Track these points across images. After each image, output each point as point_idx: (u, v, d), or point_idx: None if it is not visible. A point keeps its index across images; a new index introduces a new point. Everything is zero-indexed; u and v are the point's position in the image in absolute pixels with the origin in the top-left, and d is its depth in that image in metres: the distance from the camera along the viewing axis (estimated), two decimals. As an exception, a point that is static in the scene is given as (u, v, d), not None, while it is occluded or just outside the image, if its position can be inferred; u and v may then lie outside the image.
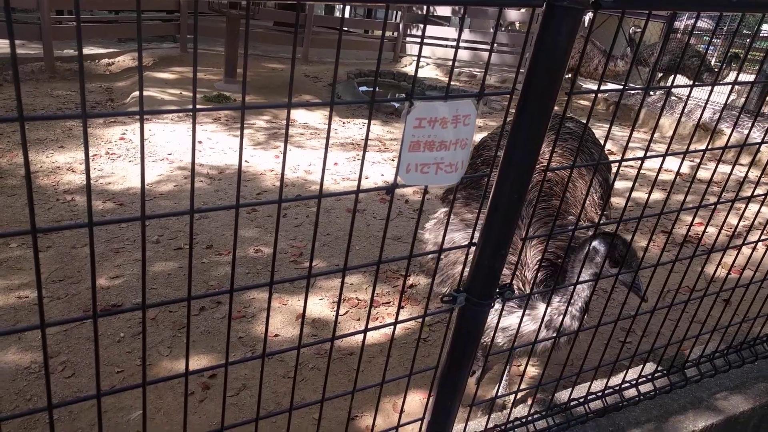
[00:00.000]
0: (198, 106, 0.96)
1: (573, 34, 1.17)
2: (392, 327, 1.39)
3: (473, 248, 1.40)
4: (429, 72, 11.98)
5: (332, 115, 1.09)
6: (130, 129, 6.29)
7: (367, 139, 1.12)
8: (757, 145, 1.93)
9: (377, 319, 3.51)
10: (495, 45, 12.88)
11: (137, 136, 6.10)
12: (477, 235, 1.40)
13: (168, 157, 5.70)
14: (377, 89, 10.81)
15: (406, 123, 1.12)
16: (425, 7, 1.19)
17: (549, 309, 1.96)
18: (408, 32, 12.55)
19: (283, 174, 1.10)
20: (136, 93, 7.49)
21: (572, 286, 1.87)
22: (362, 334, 1.35)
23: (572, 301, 1.95)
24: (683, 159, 1.74)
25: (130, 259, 3.85)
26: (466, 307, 1.45)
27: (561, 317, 1.93)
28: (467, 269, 1.44)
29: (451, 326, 1.49)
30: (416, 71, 1.11)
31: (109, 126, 6.36)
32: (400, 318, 1.61)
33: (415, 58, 12.48)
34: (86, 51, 9.46)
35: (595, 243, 1.95)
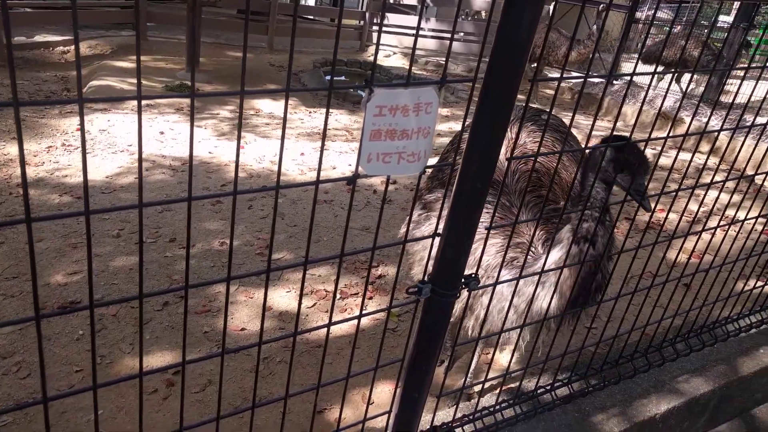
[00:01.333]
0: (144, 95, 0.91)
1: (534, 22, 1.16)
2: (357, 320, 1.37)
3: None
4: (396, 61, 11.93)
5: (295, 104, 1.05)
6: (88, 120, 6.07)
7: (325, 128, 1.08)
8: (716, 133, 1.97)
9: (345, 310, 3.48)
10: (462, 34, 12.90)
11: (95, 127, 5.90)
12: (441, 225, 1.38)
13: (128, 148, 5.52)
14: (344, 78, 10.68)
15: (366, 111, 1.09)
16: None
17: (571, 233, 1.80)
18: (374, 21, 12.45)
19: (237, 165, 1.05)
20: (94, 82, 7.24)
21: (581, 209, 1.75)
22: (326, 328, 1.31)
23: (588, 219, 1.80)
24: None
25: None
26: (431, 298, 1.43)
27: (589, 224, 1.77)
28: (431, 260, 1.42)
29: (417, 318, 1.47)
30: (375, 55, 1.08)
31: (65, 116, 6.12)
32: (368, 310, 1.57)
33: (383, 47, 12.37)
34: (40, 39, 9.09)
35: (602, 149, 1.77)
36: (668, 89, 1.67)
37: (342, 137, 6.80)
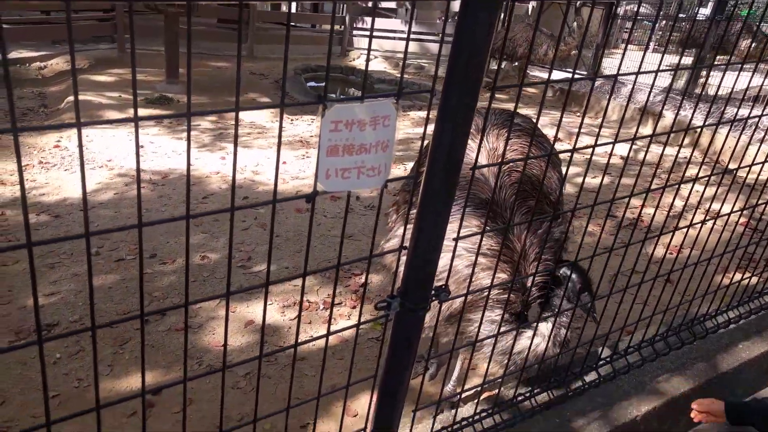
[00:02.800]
0: (140, 113, 0.89)
1: (491, 27, 1.14)
2: (325, 338, 1.34)
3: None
4: (378, 65, 11.92)
5: (276, 112, 1.04)
6: (66, 136, 6.00)
7: (278, 126, 1.05)
8: (699, 129, 1.97)
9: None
10: (440, 36, 12.91)
11: (73, 144, 5.82)
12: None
13: (107, 163, 5.46)
14: (324, 84, 10.69)
15: (321, 127, 1.07)
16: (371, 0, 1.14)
17: (552, 328, 2.06)
18: (355, 25, 12.45)
19: (234, 180, 1.02)
20: (72, 98, 7.14)
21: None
22: (290, 348, 1.29)
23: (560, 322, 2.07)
24: (631, 146, 1.75)
25: (66, 275, 3.66)
26: (401, 312, 1.41)
27: (564, 330, 2.05)
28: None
29: (388, 333, 1.45)
30: (328, 62, 1.05)
31: (42, 134, 6.04)
32: (353, 318, 1.55)
33: (364, 52, 12.35)
34: (16, 54, 8.98)
35: (564, 269, 2.10)
36: (652, 86, 1.68)
37: (324, 144, 6.77)
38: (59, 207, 4.51)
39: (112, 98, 7.40)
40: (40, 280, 3.54)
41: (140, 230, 1.01)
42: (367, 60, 1.11)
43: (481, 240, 1.49)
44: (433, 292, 1.42)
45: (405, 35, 12.86)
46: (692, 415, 2.00)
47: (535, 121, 1.66)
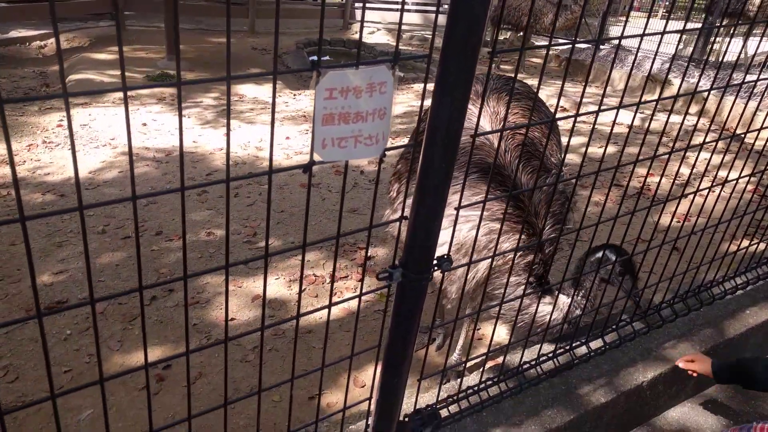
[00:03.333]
0: (142, 92, 0.88)
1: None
2: (327, 309, 1.34)
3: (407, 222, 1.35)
4: (380, 37, 11.75)
5: (279, 87, 1.01)
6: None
7: (272, 106, 1.04)
8: (706, 93, 1.93)
9: (335, 294, 3.47)
10: (446, 6, 12.69)
11: (76, 122, 5.82)
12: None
13: (111, 142, 5.45)
14: (329, 58, 10.53)
15: (316, 94, 1.05)
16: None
17: (570, 302, 2.09)
18: (357, -3, 12.25)
19: (228, 153, 1.01)
20: (74, 76, 7.12)
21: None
22: (295, 321, 1.29)
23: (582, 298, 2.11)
24: (636, 111, 1.72)
25: (74, 253, 3.68)
26: (404, 282, 1.40)
27: (579, 311, 2.09)
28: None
29: (391, 303, 1.44)
30: (321, 28, 1.03)
31: (45, 113, 6.03)
32: (360, 290, 1.55)
33: (366, 24, 12.14)
34: (15, 34, 8.91)
35: (607, 252, 2.12)
36: (657, 52, 1.64)
37: (328, 119, 6.71)
38: (64, 186, 4.52)
39: (114, 76, 7.35)
40: (48, 259, 3.57)
41: (134, 203, 1.00)
42: (362, 26, 1.08)
43: (483, 206, 1.47)
44: (435, 261, 1.41)
45: (408, 7, 12.65)
46: (681, 365, 2.06)
47: (536, 88, 1.64)
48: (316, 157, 1.11)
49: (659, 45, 1.60)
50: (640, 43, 1.58)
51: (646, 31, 1.56)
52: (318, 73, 1.02)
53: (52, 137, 5.45)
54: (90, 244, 3.76)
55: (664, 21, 1.69)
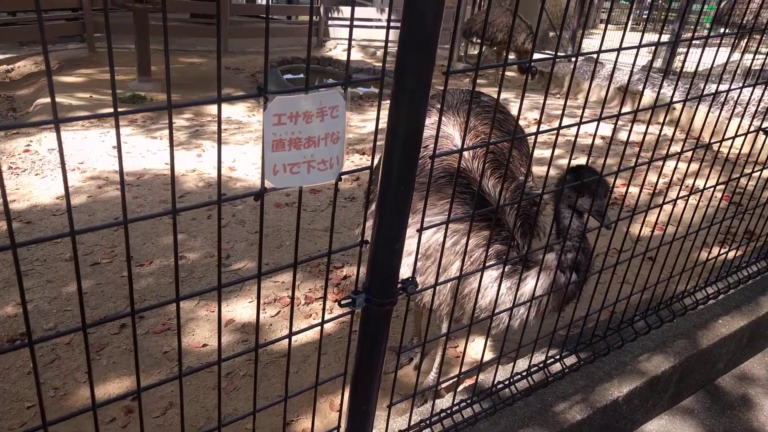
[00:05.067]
0: (119, 109, 0.85)
1: (438, 15, 1.09)
2: (288, 339, 1.30)
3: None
4: (354, 54, 11.81)
5: (252, 106, 1.00)
6: (36, 140, 5.86)
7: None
8: (680, 104, 1.94)
9: (311, 315, 3.41)
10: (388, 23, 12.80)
11: (44, 147, 5.69)
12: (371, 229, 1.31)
13: (80, 166, 5.35)
14: (302, 76, 10.53)
15: (264, 120, 1.02)
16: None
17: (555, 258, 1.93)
18: (330, 15, 12.31)
19: (219, 174, 0.97)
20: (41, 100, 6.99)
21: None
22: (254, 351, 1.24)
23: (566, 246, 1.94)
24: (616, 123, 1.72)
25: (40, 282, 3.57)
26: (368, 308, 1.36)
27: (571, 254, 1.92)
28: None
29: (355, 329, 1.41)
30: (266, 50, 1.00)
31: (11, 138, 5.90)
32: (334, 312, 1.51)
33: (340, 41, 12.20)
34: (-18, 58, 8.76)
35: (568, 177, 1.91)
36: (634, 64, 1.66)
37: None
38: (30, 213, 4.41)
39: (83, 98, 7.24)
40: (12, 289, 3.46)
41: (126, 227, 0.97)
42: (268, 45, 1.06)
43: (447, 227, 1.45)
44: (399, 285, 1.38)
45: (382, 24, 12.73)
46: None
47: (510, 107, 1.63)
48: (268, 184, 1.08)
49: (636, 57, 1.62)
50: (617, 57, 1.60)
51: (622, 44, 1.57)
52: (265, 98, 0.99)
53: (18, 162, 5.32)
54: (57, 273, 3.65)
55: (639, 34, 1.70)
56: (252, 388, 2.82)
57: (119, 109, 0.85)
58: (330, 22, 12.35)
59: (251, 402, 2.74)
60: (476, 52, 11.36)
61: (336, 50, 11.92)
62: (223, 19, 10.71)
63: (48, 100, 6.97)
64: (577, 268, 1.95)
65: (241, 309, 3.43)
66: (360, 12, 12.81)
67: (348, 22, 12.53)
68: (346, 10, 12.58)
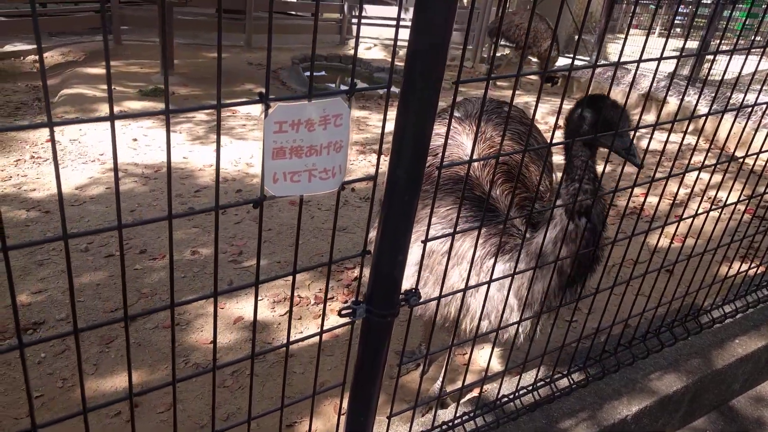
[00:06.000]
0: (134, 106, 0.83)
1: (449, 22, 1.06)
2: (285, 348, 1.28)
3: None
4: (377, 53, 11.79)
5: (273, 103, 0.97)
6: (58, 129, 5.94)
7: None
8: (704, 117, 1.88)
9: (320, 316, 3.40)
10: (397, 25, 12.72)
11: (66, 137, 5.78)
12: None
13: (100, 157, 5.42)
14: (324, 73, 10.51)
15: (264, 127, 0.99)
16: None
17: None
18: (353, 13, 12.30)
19: (217, 180, 0.96)
20: (66, 91, 7.09)
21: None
22: (251, 359, 1.23)
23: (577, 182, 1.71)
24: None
25: (55, 271, 3.62)
26: (369, 319, 1.34)
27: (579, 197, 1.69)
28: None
29: (355, 339, 1.38)
30: (268, 52, 0.98)
31: (35, 128, 5.98)
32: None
33: (363, 40, 12.16)
34: (11, 48, 8.92)
35: (581, 110, 1.69)
36: (656, 72, 1.61)
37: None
38: (50, 203, 4.47)
39: (106, 90, 7.33)
40: (27, 278, 3.51)
41: (120, 232, 0.96)
42: (267, 44, 1.03)
43: (453, 238, 1.41)
44: (402, 296, 1.36)
45: (406, 24, 12.67)
46: None
47: (531, 111, 1.58)
48: (268, 192, 1.05)
49: (657, 66, 1.57)
50: (638, 65, 1.54)
51: (645, 50, 1.51)
52: (267, 106, 0.97)
53: (40, 152, 5.40)
54: (72, 262, 3.69)
55: (664, 39, 1.64)
56: (258, 388, 2.82)
57: (136, 106, 0.84)
58: (353, 20, 12.33)
59: (255, 401, 2.74)
60: (505, 54, 11.23)
61: (360, 48, 11.91)
62: (247, 14, 10.77)
63: (73, 90, 7.08)
64: (588, 214, 1.70)
65: (249, 307, 3.43)
66: (385, 11, 12.77)
67: (372, 21, 12.51)
68: (370, 9, 12.54)
